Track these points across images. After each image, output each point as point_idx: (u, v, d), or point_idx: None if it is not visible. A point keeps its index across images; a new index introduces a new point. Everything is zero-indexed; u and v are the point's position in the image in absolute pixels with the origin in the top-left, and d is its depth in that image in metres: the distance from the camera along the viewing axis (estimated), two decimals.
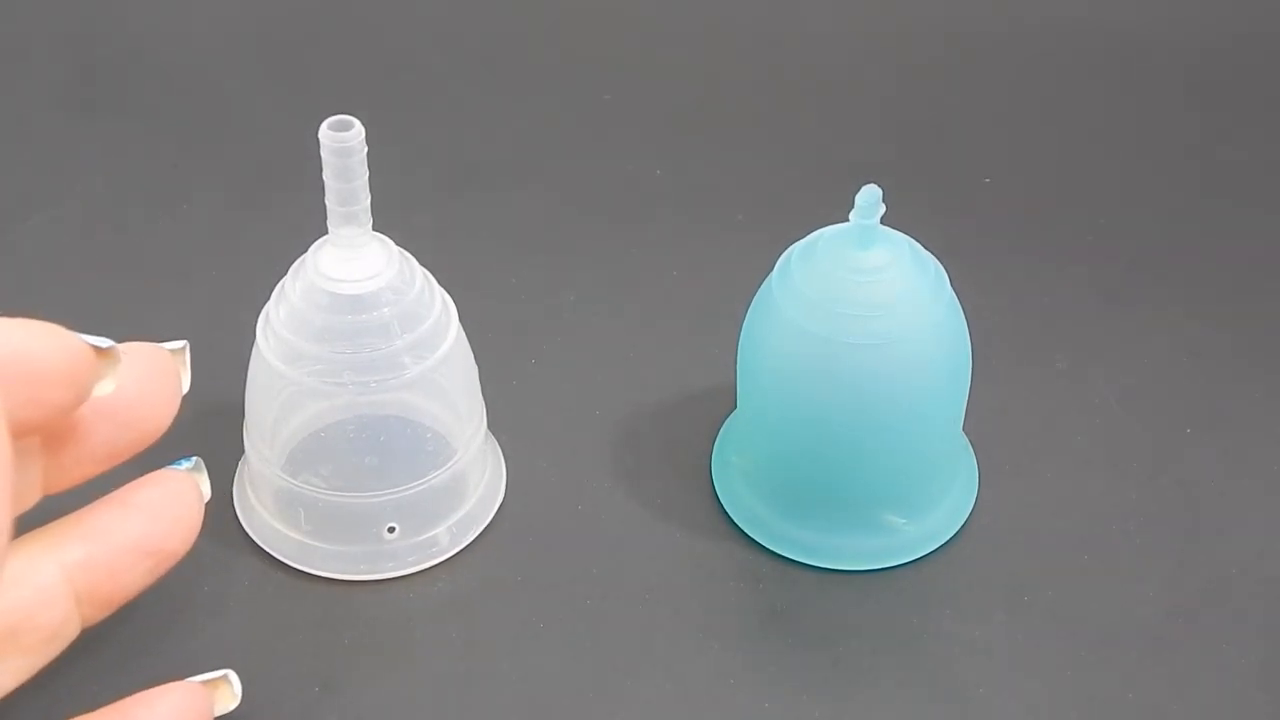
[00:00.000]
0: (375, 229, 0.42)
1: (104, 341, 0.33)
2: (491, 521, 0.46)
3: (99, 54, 0.65)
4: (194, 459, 0.38)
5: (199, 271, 0.55)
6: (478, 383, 0.46)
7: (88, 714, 0.36)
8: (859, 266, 0.42)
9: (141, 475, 0.37)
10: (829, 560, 0.45)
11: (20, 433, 0.31)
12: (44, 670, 0.36)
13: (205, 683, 0.38)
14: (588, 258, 0.56)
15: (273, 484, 0.45)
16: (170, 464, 0.38)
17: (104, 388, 0.33)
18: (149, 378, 0.36)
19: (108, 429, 0.35)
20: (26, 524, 0.35)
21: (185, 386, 0.37)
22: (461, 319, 0.45)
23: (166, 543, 0.37)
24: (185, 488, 0.37)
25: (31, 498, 0.35)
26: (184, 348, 0.37)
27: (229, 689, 0.38)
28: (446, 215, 0.58)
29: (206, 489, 0.38)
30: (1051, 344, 0.52)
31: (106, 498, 0.37)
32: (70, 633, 0.36)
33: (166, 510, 0.37)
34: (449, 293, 0.45)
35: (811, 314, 0.42)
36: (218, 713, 0.38)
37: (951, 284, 0.43)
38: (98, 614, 0.36)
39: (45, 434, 0.35)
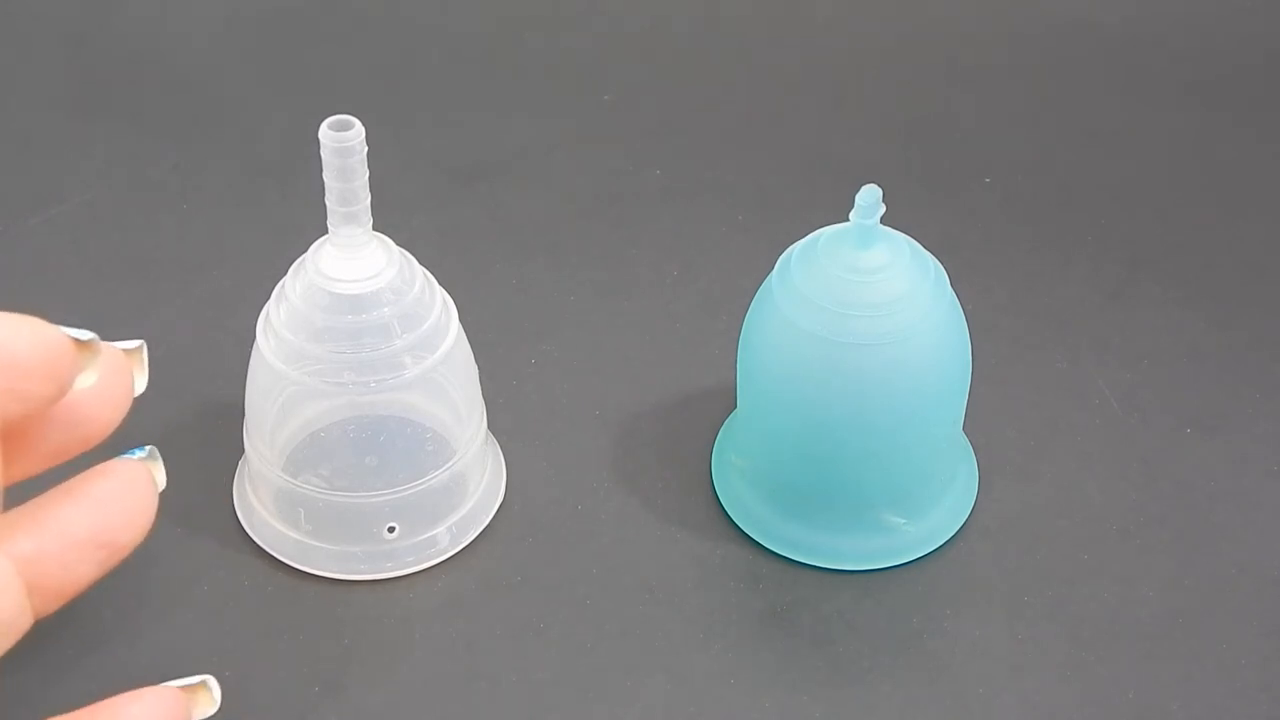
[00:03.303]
0: (375, 229, 0.42)
1: (84, 334, 0.33)
2: (491, 521, 0.46)
3: (99, 54, 0.65)
4: (148, 448, 0.37)
5: (199, 271, 0.55)
6: (478, 383, 0.46)
7: (61, 715, 0.36)
8: (859, 266, 0.42)
9: (95, 465, 0.37)
10: (829, 560, 0.45)
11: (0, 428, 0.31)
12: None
13: (183, 688, 0.37)
14: (588, 258, 0.56)
15: (273, 484, 0.45)
16: (123, 453, 0.38)
17: (85, 380, 0.33)
18: (103, 377, 0.35)
19: (57, 427, 0.35)
20: None
21: (140, 387, 0.36)
22: (461, 319, 0.45)
23: (119, 535, 0.36)
24: (138, 478, 0.37)
25: None
26: (140, 347, 0.37)
27: (208, 695, 0.37)
28: (446, 215, 0.58)
29: (161, 479, 0.37)
30: (1051, 344, 0.52)
31: (59, 489, 0.36)
32: (23, 625, 0.35)
33: (119, 502, 0.36)
34: (449, 293, 0.45)
35: (811, 314, 0.42)
36: (196, 719, 0.37)
37: (951, 284, 0.43)
38: (49, 606, 0.35)
39: None
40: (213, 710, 0.37)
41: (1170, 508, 0.47)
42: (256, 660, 0.43)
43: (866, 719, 0.41)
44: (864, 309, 0.42)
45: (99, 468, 0.36)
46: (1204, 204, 0.59)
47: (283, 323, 0.43)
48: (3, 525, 0.35)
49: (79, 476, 0.36)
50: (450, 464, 0.45)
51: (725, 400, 0.49)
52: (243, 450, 0.46)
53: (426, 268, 0.44)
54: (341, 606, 0.44)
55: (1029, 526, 0.46)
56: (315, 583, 0.45)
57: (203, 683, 0.37)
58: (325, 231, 0.42)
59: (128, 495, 0.36)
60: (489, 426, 0.47)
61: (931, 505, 0.46)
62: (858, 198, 0.41)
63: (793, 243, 0.44)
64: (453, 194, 0.59)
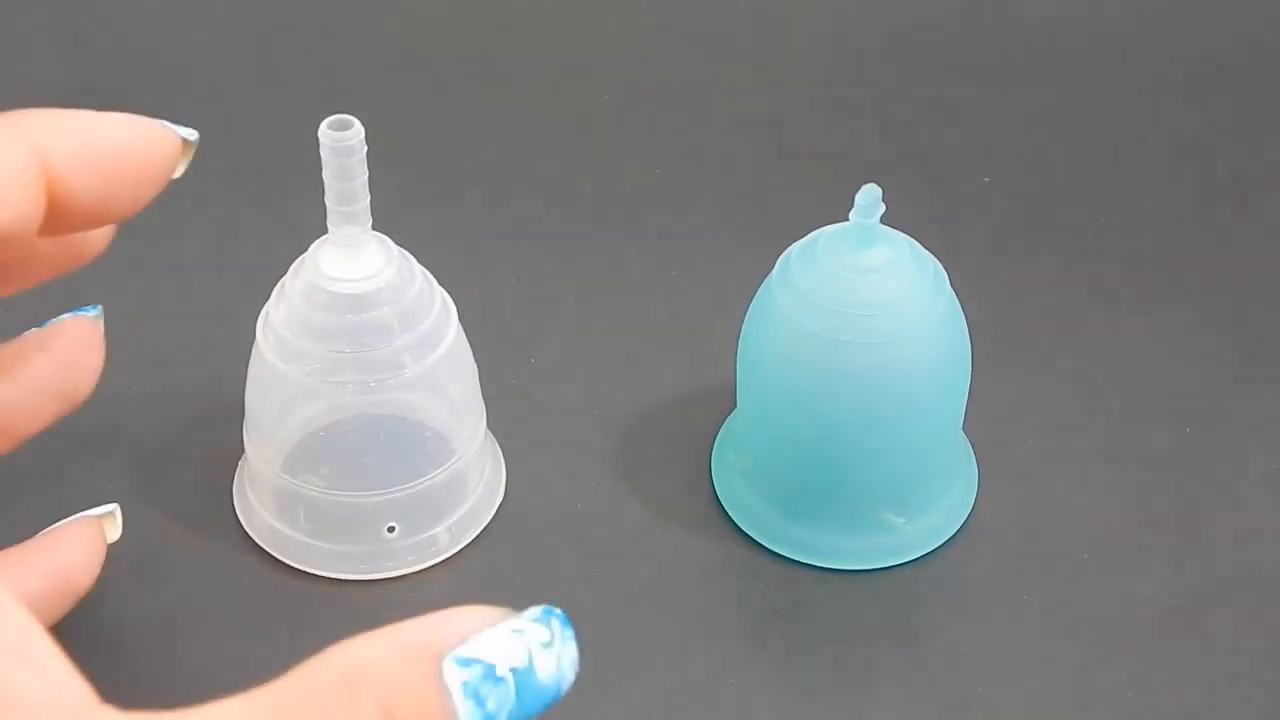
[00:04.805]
0: (375, 228, 0.42)
1: (191, 133, 0.36)
2: (491, 521, 0.46)
3: (99, 54, 0.65)
4: (98, 307, 0.41)
5: (199, 271, 0.55)
6: (477, 382, 0.46)
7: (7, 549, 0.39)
8: (859, 266, 0.42)
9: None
10: (829, 560, 0.45)
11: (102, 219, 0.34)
12: None
13: (97, 516, 0.42)
14: (588, 258, 0.56)
15: (273, 484, 0.45)
16: (76, 310, 0.40)
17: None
18: (76, 349, 0.39)
19: (57, 245, 0.37)
20: None
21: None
22: (461, 319, 0.45)
23: (79, 388, 0.39)
24: (94, 336, 0.40)
25: None
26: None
27: (114, 521, 0.43)
28: (446, 215, 0.58)
29: (101, 333, 0.41)
30: (1051, 344, 0.52)
31: (27, 339, 0.39)
32: None
33: (80, 357, 0.39)
34: (449, 292, 0.45)
35: (811, 313, 0.42)
36: (109, 540, 0.42)
37: (951, 284, 0.43)
38: (4, 447, 0.38)
39: None
40: (117, 534, 0.43)
41: (1170, 508, 0.47)
42: (256, 660, 0.42)
43: (866, 719, 0.41)
44: (864, 308, 0.42)
45: (61, 323, 0.40)
46: (1204, 204, 0.59)
47: (282, 322, 0.43)
48: None
49: (44, 329, 0.40)
50: (450, 463, 0.45)
51: (725, 400, 0.49)
52: (243, 450, 0.46)
53: (426, 267, 0.44)
54: (341, 606, 0.44)
55: (1029, 526, 0.46)
56: (315, 583, 0.45)
57: (110, 512, 0.43)
58: (325, 231, 0.42)
59: (88, 351, 0.40)
60: (488, 426, 0.47)
61: (931, 505, 0.46)
62: (857, 197, 0.41)
63: (793, 243, 0.44)
64: (453, 194, 0.59)
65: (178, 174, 0.36)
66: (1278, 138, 0.62)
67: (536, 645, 0.28)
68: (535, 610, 0.29)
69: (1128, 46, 0.66)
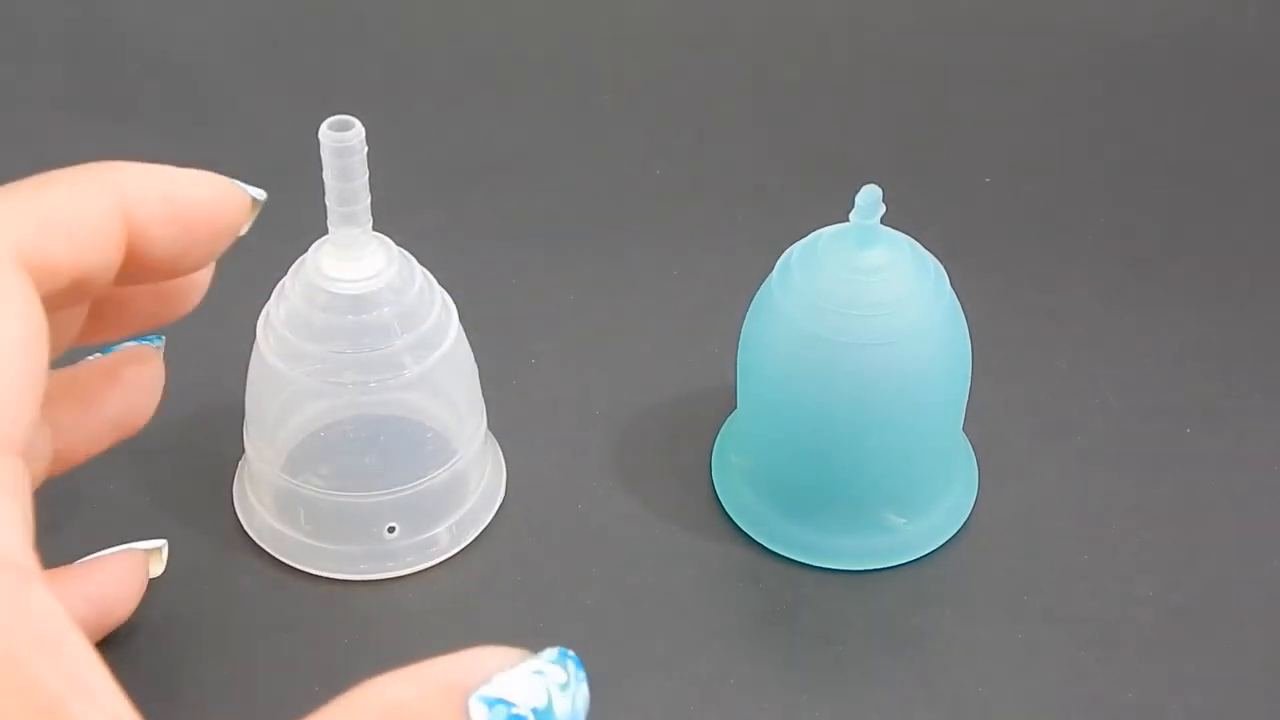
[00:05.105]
0: (375, 229, 0.42)
1: (260, 193, 0.36)
2: (491, 521, 0.46)
3: (99, 54, 0.65)
4: (162, 338, 0.40)
5: None
6: (478, 382, 0.46)
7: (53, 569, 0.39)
8: (859, 266, 0.42)
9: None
10: (829, 560, 0.45)
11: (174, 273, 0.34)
12: None
13: (145, 551, 0.42)
14: (588, 258, 0.56)
15: (273, 484, 0.45)
16: (143, 338, 0.40)
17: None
18: (140, 379, 0.39)
19: (151, 300, 0.37)
20: None
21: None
22: (461, 319, 0.45)
23: (137, 420, 0.39)
24: (157, 365, 0.40)
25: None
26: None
27: (159, 557, 0.43)
28: (446, 215, 0.58)
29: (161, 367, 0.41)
30: (1051, 344, 0.52)
31: (90, 365, 0.39)
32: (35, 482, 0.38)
33: (143, 386, 0.39)
34: (449, 293, 0.45)
35: (811, 314, 0.42)
36: (151, 575, 0.43)
37: (951, 284, 0.43)
38: (58, 470, 0.38)
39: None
40: (161, 570, 0.43)
41: (1170, 508, 0.47)
42: (256, 660, 0.43)
43: (866, 718, 0.41)
44: (864, 309, 0.42)
45: (130, 351, 0.39)
46: (1204, 204, 0.59)
47: (282, 322, 0.43)
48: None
49: (114, 356, 0.39)
50: (450, 464, 0.45)
51: (725, 400, 0.49)
52: (243, 450, 0.46)
53: (426, 268, 0.44)
54: (341, 606, 0.44)
55: (1029, 526, 0.46)
56: (315, 583, 0.45)
57: (159, 548, 0.43)
58: (325, 231, 0.42)
59: (151, 381, 0.39)
60: (489, 426, 0.47)
61: (931, 505, 0.46)
62: (858, 198, 0.41)
63: (793, 243, 0.44)
64: (453, 194, 0.59)
65: (243, 231, 0.36)
66: (1277, 137, 0.62)
67: (555, 687, 0.29)
68: (552, 652, 0.29)
69: (1128, 46, 0.66)
